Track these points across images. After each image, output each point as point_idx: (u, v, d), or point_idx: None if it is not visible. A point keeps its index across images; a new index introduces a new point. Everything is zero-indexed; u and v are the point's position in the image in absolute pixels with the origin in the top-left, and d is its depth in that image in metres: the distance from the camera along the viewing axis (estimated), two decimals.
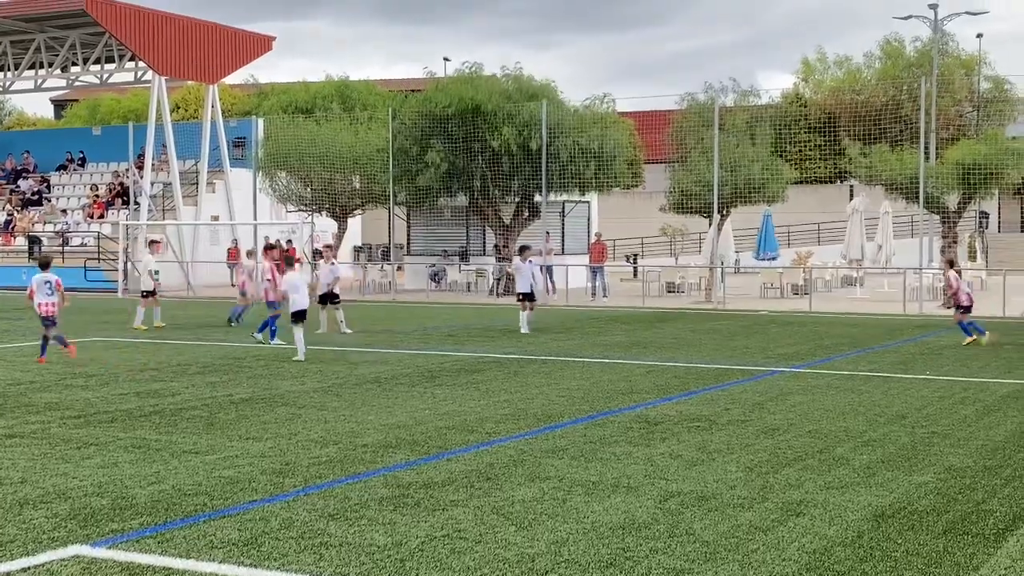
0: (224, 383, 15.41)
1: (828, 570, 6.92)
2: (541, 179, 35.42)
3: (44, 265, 18.73)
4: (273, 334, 20.92)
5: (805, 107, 55.78)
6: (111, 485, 9.08)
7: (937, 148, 38.95)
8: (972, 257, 45.33)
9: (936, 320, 26.27)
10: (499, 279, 36.35)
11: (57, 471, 9.61)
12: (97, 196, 46.48)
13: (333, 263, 24.57)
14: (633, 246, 55.66)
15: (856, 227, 36.47)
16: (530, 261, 25.02)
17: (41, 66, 47.01)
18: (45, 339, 18.13)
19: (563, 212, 40.13)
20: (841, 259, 39.02)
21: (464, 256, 40.85)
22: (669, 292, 36.90)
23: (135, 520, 7.99)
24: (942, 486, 9.13)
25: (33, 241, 43.82)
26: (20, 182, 49.86)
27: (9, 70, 48.87)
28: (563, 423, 12.15)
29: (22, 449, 10.61)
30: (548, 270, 35.61)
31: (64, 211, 47.04)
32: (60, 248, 42.64)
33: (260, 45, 48.12)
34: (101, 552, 7.25)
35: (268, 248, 25.54)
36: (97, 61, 46.41)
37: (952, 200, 35.16)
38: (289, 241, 40.06)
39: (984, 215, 56.21)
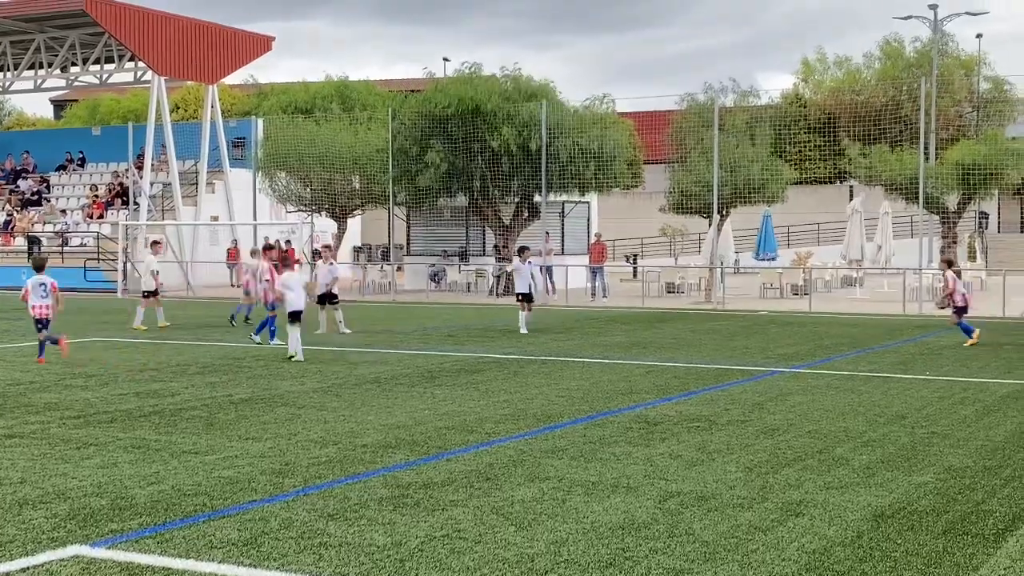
0: (224, 383, 15.41)
1: (828, 570, 6.92)
2: (541, 179, 35.40)
3: (39, 267, 18.68)
4: (273, 334, 20.92)
5: (805, 107, 55.82)
6: (110, 485, 9.07)
7: (937, 148, 38.96)
8: (972, 257, 45.35)
9: (936, 320, 26.26)
10: (499, 278, 36.34)
11: (57, 471, 9.60)
12: (97, 196, 46.46)
13: (331, 263, 24.57)
14: (633, 246, 55.68)
15: (856, 227, 36.47)
16: (529, 262, 25.02)
17: (41, 66, 47.03)
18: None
19: (563, 212, 40.11)
20: (841, 259, 39.03)
21: (464, 256, 40.82)
22: (669, 292, 36.89)
23: (135, 520, 7.98)
24: (942, 486, 9.12)
25: (33, 241, 43.76)
26: (20, 182, 49.85)
27: (9, 70, 48.88)
28: (563, 423, 12.14)
29: (22, 449, 10.61)
30: (548, 270, 35.62)
31: (64, 211, 47.03)
32: (59, 248, 42.64)
33: (259, 45, 48.14)
34: (100, 552, 7.25)
35: (267, 248, 25.56)
36: (97, 61, 46.43)
37: (952, 200, 35.20)
38: (288, 242, 40.06)
39: (984, 215, 56.21)
